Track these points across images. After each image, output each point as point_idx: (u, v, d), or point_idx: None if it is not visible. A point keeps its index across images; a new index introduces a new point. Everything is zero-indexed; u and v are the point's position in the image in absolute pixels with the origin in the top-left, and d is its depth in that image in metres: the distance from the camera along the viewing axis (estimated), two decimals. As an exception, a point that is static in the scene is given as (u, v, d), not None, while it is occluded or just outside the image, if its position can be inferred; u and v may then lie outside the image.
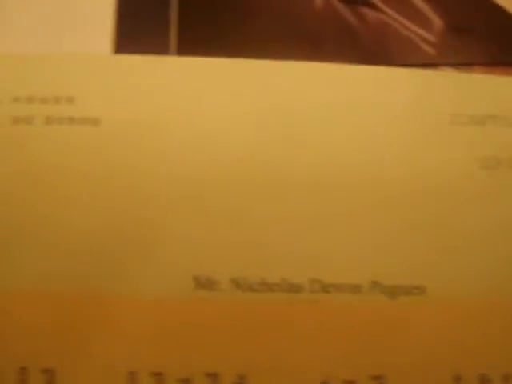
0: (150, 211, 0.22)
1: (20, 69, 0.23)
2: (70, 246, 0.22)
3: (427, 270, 0.22)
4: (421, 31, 0.23)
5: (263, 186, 0.23)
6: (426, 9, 0.24)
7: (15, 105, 0.23)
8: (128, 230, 0.22)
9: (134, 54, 0.23)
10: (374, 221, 0.23)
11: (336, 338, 0.22)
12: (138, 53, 0.23)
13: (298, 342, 0.22)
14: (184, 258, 0.22)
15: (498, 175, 0.23)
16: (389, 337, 0.22)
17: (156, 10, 0.24)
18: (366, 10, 0.24)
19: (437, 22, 0.24)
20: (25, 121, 0.23)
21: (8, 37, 0.23)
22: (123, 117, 0.23)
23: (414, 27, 0.24)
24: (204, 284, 0.22)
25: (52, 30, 0.24)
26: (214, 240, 0.22)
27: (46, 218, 0.22)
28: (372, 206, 0.23)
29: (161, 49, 0.24)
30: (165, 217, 0.22)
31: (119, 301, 0.21)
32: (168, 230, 0.22)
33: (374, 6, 0.24)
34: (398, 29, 0.24)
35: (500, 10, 0.24)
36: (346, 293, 0.22)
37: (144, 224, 0.22)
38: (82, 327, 0.21)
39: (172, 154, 0.23)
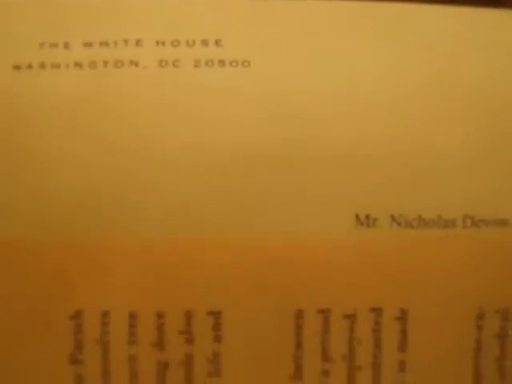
0: (299, 149, 0.23)
1: (163, 11, 0.23)
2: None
3: None
4: None
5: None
6: None
7: (160, 48, 0.23)
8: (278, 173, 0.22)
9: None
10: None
11: (488, 270, 0.23)
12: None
13: (454, 275, 0.23)
14: (345, 196, 0.22)
15: None
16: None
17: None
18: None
19: None
20: (172, 64, 0.23)
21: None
22: (273, 58, 0.23)
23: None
24: (363, 221, 0.22)
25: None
26: (372, 177, 0.23)
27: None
28: None
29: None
30: (320, 155, 0.23)
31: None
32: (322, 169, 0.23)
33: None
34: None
35: None
36: (493, 227, 0.23)
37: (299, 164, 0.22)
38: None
39: (323, 92, 0.23)
